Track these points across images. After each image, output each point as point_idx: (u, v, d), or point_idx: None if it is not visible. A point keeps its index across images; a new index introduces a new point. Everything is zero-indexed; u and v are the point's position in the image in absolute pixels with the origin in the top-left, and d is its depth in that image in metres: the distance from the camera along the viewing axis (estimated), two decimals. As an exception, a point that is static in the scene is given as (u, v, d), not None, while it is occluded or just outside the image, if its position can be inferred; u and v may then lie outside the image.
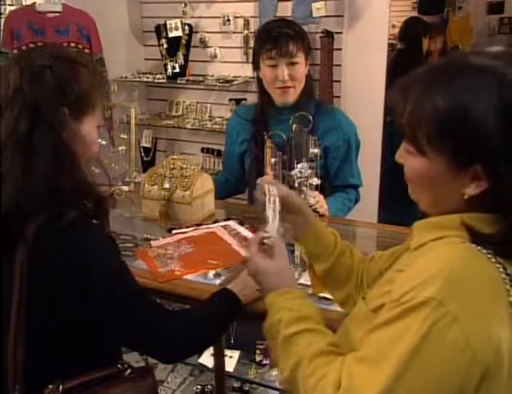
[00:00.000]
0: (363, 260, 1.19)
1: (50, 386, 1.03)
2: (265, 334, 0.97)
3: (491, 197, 0.80)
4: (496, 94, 0.77)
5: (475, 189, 0.80)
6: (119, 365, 1.11)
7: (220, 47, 3.43)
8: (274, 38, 1.96)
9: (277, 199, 1.09)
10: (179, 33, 3.34)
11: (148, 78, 3.56)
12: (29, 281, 1.01)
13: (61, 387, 1.03)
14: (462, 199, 0.82)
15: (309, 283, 1.45)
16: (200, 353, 2.20)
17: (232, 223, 1.81)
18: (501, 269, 0.78)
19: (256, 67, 2.07)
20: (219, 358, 1.88)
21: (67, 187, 1.03)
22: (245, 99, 3.33)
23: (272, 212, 1.08)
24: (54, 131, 1.05)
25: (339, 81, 3.05)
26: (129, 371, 1.11)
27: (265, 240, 1.04)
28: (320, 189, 1.85)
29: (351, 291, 1.18)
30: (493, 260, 0.78)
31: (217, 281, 1.49)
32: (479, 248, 0.79)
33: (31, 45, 2.96)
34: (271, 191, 1.11)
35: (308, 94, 2.08)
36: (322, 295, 1.36)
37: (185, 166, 1.93)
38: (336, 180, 2.12)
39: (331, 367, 0.82)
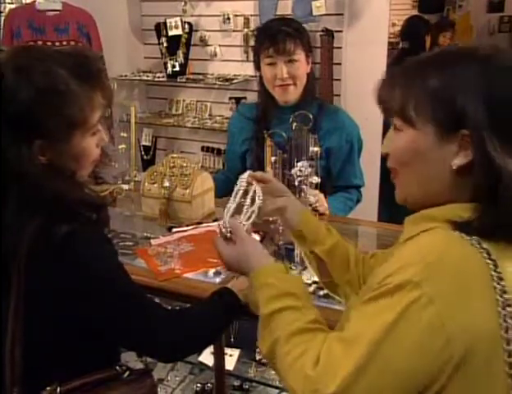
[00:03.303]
0: (356, 250, 1.21)
1: (48, 388, 1.02)
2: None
3: (476, 172, 0.81)
4: (484, 71, 0.81)
5: (463, 159, 0.82)
6: (117, 367, 1.10)
7: (220, 45, 3.43)
8: (272, 36, 1.95)
9: (240, 192, 1.14)
10: (179, 31, 3.34)
11: (147, 76, 3.57)
12: (27, 282, 1.01)
13: (58, 389, 1.02)
14: (449, 176, 0.84)
15: (310, 282, 1.45)
16: (200, 351, 2.21)
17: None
18: (485, 254, 0.78)
19: (257, 66, 2.07)
20: (219, 356, 1.88)
21: (55, 202, 1.02)
22: (245, 98, 3.33)
23: (231, 203, 1.13)
24: (25, 164, 1.00)
25: (339, 80, 3.05)
26: (127, 373, 1.11)
27: (223, 231, 1.06)
28: (321, 188, 1.85)
29: (354, 283, 1.18)
30: (477, 246, 0.79)
31: (217, 280, 1.48)
32: (462, 235, 0.80)
33: (30, 44, 2.96)
34: (240, 181, 1.15)
35: (310, 93, 2.07)
36: (322, 293, 1.36)
37: (184, 164, 1.92)
38: (339, 180, 2.12)
39: (310, 344, 0.83)
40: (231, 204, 1.12)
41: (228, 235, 1.06)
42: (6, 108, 0.99)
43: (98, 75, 1.07)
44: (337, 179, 2.11)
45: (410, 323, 0.74)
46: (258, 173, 1.21)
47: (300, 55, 1.98)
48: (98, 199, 1.14)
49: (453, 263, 0.77)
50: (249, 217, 1.11)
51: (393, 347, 0.74)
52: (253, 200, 1.14)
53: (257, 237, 1.67)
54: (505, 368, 0.76)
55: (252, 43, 3.27)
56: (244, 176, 1.16)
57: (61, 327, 1.03)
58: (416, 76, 0.86)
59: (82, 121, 1.05)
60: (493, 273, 0.77)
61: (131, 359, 1.28)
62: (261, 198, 1.14)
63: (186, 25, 3.37)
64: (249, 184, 1.16)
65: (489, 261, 0.78)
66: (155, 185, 1.90)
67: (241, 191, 1.15)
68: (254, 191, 1.14)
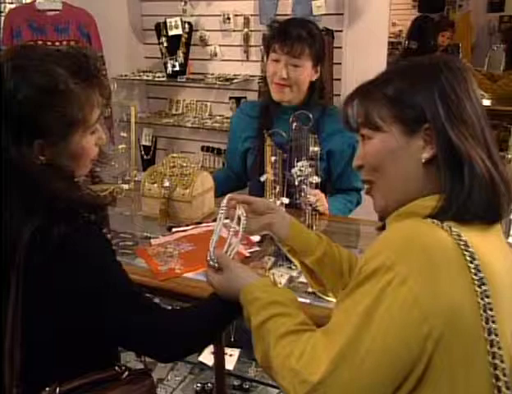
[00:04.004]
0: (350, 256, 1.21)
1: (47, 388, 1.02)
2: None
3: (441, 160, 0.88)
4: (434, 75, 0.90)
5: (429, 151, 0.89)
6: (117, 368, 1.10)
7: (220, 45, 3.43)
8: (284, 34, 1.93)
9: (222, 216, 1.17)
10: (179, 31, 3.34)
11: (148, 76, 3.56)
12: (26, 282, 1.00)
13: (58, 390, 1.02)
14: (421, 171, 0.90)
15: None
16: (200, 351, 2.20)
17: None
18: (456, 236, 0.82)
19: (266, 57, 2.05)
20: (219, 356, 1.88)
21: (54, 204, 1.01)
22: (245, 97, 3.33)
23: (215, 231, 1.15)
24: (25, 164, 1.00)
25: (339, 79, 3.05)
26: (126, 373, 1.10)
27: (210, 263, 1.10)
28: (321, 189, 1.85)
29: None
30: (447, 229, 0.82)
31: (217, 280, 1.48)
32: (434, 221, 0.84)
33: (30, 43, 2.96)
34: (221, 207, 1.18)
35: (314, 99, 2.04)
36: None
37: (185, 164, 1.92)
38: (339, 183, 2.12)
39: (296, 343, 0.86)
40: (215, 236, 1.14)
41: (216, 265, 1.10)
42: (5, 108, 0.99)
43: (96, 73, 1.07)
44: (338, 181, 2.11)
45: (387, 305, 0.77)
46: (239, 196, 1.23)
47: (305, 62, 1.95)
48: (97, 199, 1.14)
49: (423, 245, 0.80)
50: (235, 241, 1.14)
51: (373, 330, 0.77)
52: (238, 222, 1.16)
53: (257, 237, 1.67)
54: (486, 346, 0.78)
55: (252, 42, 3.29)
56: (224, 203, 1.18)
57: (60, 327, 1.03)
58: (373, 90, 0.95)
59: (82, 120, 1.05)
60: (465, 253, 0.80)
61: (131, 359, 1.27)
62: (244, 219, 1.16)
63: (186, 25, 3.36)
64: (233, 208, 1.18)
65: (460, 242, 0.81)
66: (155, 185, 1.90)
67: (222, 219, 1.17)
68: (239, 215, 1.16)
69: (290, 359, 0.83)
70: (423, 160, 0.89)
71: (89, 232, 1.05)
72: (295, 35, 1.92)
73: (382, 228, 1.01)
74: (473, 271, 0.79)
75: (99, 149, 1.14)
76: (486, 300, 0.78)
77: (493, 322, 0.78)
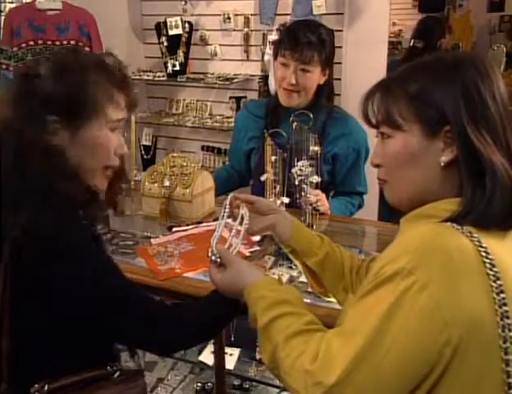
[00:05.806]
0: (351, 257, 1.21)
1: (36, 385, 1.01)
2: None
3: (461, 164, 0.86)
4: (458, 73, 0.87)
5: (449, 154, 0.87)
6: (108, 367, 1.09)
7: (220, 45, 3.42)
8: (294, 40, 1.92)
9: (225, 215, 1.17)
10: (179, 31, 3.34)
11: (148, 76, 3.56)
12: (14, 277, 0.99)
13: (46, 387, 1.01)
14: (439, 173, 0.88)
15: (310, 281, 1.45)
16: (200, 350, 2.21)
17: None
18: (476, 242, 0.80)
19: (275, 58, 2.04)
20: (219, 356, 1.89)
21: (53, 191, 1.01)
22: (245, 97, 3.33)
23: (217, 228, 1.15)
24: (37, 141, 1.02)
25: (339, 79, 3.05)
26: (118, 373, 1.09)
27: (212, 258, 1.09)
28: (324, 191, 1.85)
29: (349, 290, 1.18)
30: (468, 234, 0.81)
31: (218, 279, 1.48)
32: (454, 225, 0.83)
33: (31, 43, 2.97)
34: (225, 205, 1.18)
35: (320, 102, 2.04)
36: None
37: (185, 164, 1.93)
38: (342, 186, 2.12)
39: (307, 344, 0.84)
40: (217, 233, 1.14)
41: (218, 260, 1.08)
42: (27, 84, 1.04)
43: (122, 77, 1.12)
44: (341, 185, 2.12)
45: (406, 310, 0.76)
46: (242, 195, 1.23)
47: (315, 67, 1.95)
48: (87, 193, 1.12)
49: (445, 250, 0.79)
50: (238, 238, 1.14)
51: (391, 334, 0.76)
52: (241, 222, 1.16)
53: (257, 237, 1.67)
54: (501, 353, 0.78)
55: (252, 42, 3.29)
56: (227, 202, 1.18)
57: (49, 323, 1.02)
58: (395, 86, 0.92)
59: (98, 110, 1.07)
60: (485, 260, 0.79)
61: (131, 360, 1.27)
62: (247, 218, 1.15)
63: (186, 25, 3.36)
64: (236, 207, 1.18)
65: (481, 248, 0.80)
66: (155, 185, 1.90)
67: (225, 217, 1.17)
68: (242, 215, 1.16)
69: (302, 359, 0.82)
70: (442, 163, 0.87)
71: (79, 226, 1.04)
72: (305, 41, 1.90)
73: (397, 222, 0.98)
74: (492, 278, 0.78)
75: (122, 166, 1.16)
76: (504, 308, 0.78)
77: (509, 330, 0.78)
